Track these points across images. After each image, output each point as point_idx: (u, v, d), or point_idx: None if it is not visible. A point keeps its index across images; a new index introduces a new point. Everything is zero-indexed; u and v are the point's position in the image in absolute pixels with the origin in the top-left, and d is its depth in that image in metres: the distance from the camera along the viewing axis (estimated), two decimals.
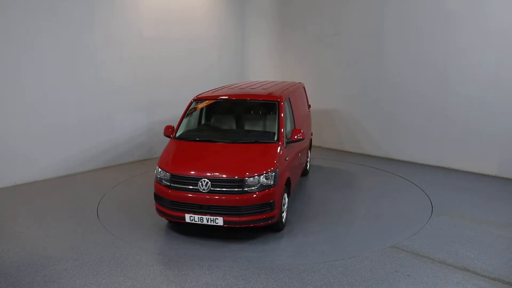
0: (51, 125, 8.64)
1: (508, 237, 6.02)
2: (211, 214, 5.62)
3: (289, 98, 7.25)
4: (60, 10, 8.51)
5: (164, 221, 6.50)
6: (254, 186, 5.64)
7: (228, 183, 5.65)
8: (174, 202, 5.78)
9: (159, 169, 6.06)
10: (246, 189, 5.61)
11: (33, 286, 4.80)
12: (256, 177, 5.66)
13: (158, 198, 6.04)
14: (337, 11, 10.75)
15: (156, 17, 10.17)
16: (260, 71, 12.45)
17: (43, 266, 5.22)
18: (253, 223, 5.69)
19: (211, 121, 7.44)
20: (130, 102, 9.97)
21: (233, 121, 7.30)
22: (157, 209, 6.10)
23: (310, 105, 9.45)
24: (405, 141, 10.03)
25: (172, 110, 10.15)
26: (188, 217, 5.72)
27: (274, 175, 5.76)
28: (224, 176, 5.68)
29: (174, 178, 5.85)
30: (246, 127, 7.13)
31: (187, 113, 7.06)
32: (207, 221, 5.64)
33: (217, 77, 11.78)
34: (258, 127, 6.98)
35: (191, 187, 5.72)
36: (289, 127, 6.95)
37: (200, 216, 5.65)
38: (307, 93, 9.32)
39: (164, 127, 7.04)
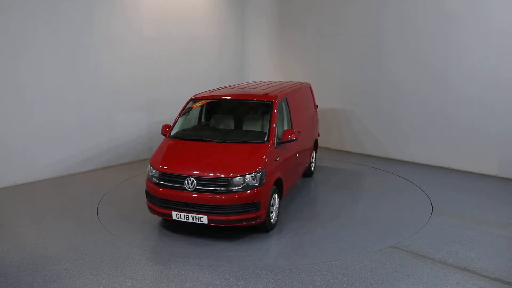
0: (51, 125, 8.64)
1: (508, 237, 6.02)
2: (196, 213, 5.71)
3: (286, 99, 7.22)
4: (60, 10, 8.51)
5: (164, 221, 6.51)
6: (239, 185, 5.67)
7: (213, 182, 5.71)
8: (162, 199, 5.90)
9: (150, 167, 6.20)
10: (230, 188, 5.66)
11: (33, 286, 4.80)
12: (241, 177, 5.69)
13: (148, 195, 6.19)
14: (337, 11, 10.75)
15: (156, 17, 10.17)
16: (260, 71, 12.45)
17: (43, 266, 5.22)
18: (236, 222, 5.72)
19: (206, 120, 7.49)
20: (130, 102, 9.97)
21: (228, 120, 7.34)
22: (148, 206, 6.22)
23: (317, 105, 9.43)
24: (405, 141, 10.03)
25: (172, 110, 10.11)
26: (174, 215, 5.83)
27: (260, 175, 5.77)
28: (209, 175, 5.75)
29: (162, 176, 5.96)
30: (240, 127, 7.15)
31: (183, 112, 7.15)
32: (193, 219, 5.74)
33: (217, 77, 11.79)
34: (251, 127, 7.01)
35: (177, 185, 5.81)
36: (285, 127, 6.95)
37: (186, 214, 5.75)
38: (314, 94, 9.30)
39: None
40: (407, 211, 6.99)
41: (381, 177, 8.89)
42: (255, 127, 6.94)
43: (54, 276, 5.00)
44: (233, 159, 5.98)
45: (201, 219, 5.68)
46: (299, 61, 11.79)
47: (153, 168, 6.10)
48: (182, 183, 5.78)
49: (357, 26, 10.44)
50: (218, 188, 5.67)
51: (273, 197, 6.11)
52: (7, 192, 7.93)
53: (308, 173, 8.79)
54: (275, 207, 6.25)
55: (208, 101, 7.43)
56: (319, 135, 9.52)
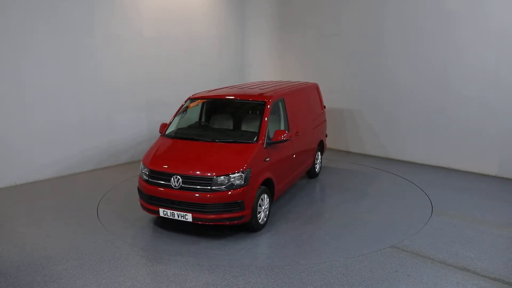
0: (51, 125, 8.64)
1: (508, 237, 6.02)
2: (182, 210, 5.80)
3: (283, 99, 7.20)
4: (60, 10, 8.51)
5: (164, 220, 6.51)
6: (223, 185, 5.71)
7: (197, 180, 5.78)
8: (150, 196, 6.04)
9: (142, 164, 6.35)
10: (214, 187, 5.70)
11: (33, 286, 4.80)
12: (225, 176, 5.72)
13: (139, 192, 6.34)
14: (337, 11, 10.75)
15: (156, 17, 10.17)
16: (260, 71, 12.46)
17: (43, 266, 5.22)
18: (220, 221, 5.76)
19: (203, 120, 7.53)
20: (130, 102, 9.97)
21: (224, 120, 7.38)
22: (140, 203, 6.36)
23: (324, 106, 9.39)
24: (405, 141, 10.03)
25: (172, 110, 10.09)
26: (161, 212, 5.97)
27: (245, 175, 5.79)
28: (195, 173, 5.82)
29: (151, 173, 6.09)
30: (235, 127, 7.18)
31: (179, 111, 7.23)
32: (178, 217, 5.84)
33: (217, 77, 11.79)
34: (245, 127, 7.04)
35: (164, 182, 5.92)
36: (282, 127, 6.95)
37: (171, 211, 5.86)
38: (321, 94, 9.26)
39: None
40: (407, 211, 6.99)
41: (381, 177, 8.89)
42: (248, 127, 6.97)
43: (54, 276, 5.00)
44: (219, 159, 6.04)
45: (186, 217, 5.78)
46: (299, 61, 11.78)
47: (144, 166, 6.25)
48: (169, 180, 5.88)
49: (357, 26, 10.44)
50: (203, 187, 5.73)
51: (261, 197, 6.12)
52: (7, 192, 7.94)
53: (312, 174, 8.74)
54: (263, 208, 6.23)
55: (204, 101, 7.49)
56: (326, 136, 9.46)
